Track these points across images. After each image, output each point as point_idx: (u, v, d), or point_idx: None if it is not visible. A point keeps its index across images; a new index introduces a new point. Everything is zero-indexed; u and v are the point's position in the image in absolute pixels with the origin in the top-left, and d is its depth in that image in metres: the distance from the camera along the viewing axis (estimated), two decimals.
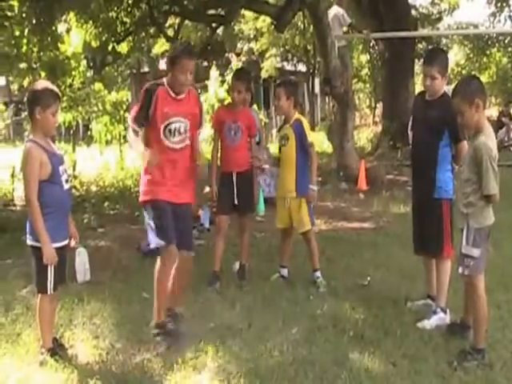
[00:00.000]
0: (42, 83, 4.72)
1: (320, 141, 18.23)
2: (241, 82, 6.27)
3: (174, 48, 4.63)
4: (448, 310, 5.08)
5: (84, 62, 12.74)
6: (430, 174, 5.05)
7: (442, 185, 5.03)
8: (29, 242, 4.48)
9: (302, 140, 6.01)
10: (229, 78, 14.29)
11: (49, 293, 4.50)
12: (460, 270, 4.39)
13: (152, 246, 4.90)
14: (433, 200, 5.07)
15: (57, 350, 4.55)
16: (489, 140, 4.22)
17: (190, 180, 5.04)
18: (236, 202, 6.20)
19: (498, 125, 18.03)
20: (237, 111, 6.27)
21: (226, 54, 27.55)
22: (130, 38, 13.51)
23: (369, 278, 6.21)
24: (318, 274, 6.15)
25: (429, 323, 5.01)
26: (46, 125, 4.42)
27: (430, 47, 22.62)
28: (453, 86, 4.55)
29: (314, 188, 6.08)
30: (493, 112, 25.56)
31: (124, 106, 14.03)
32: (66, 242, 4.66)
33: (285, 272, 6.37)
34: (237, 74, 6.76)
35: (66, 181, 4.57)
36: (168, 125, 4.78)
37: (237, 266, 6.56)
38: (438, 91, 5.10)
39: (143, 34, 13.82)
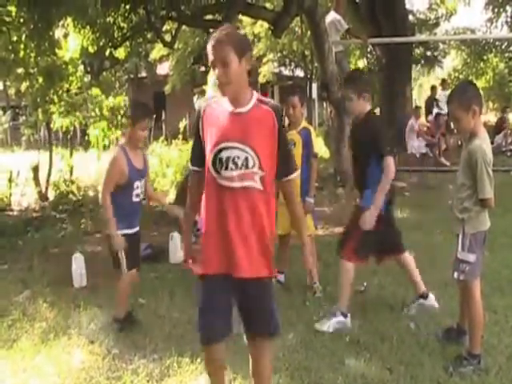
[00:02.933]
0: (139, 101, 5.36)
1: (317, 147, 18.26)
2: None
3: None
4: (349, 315, 5.14)
5: (81, 67, 12.73)
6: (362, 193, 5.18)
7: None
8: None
9: (309, 149, 6.06)
10: None
11: (124, 273, 5.10)
12: (455, 274, 4.39)
13: None
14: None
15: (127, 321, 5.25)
16: (483, 144, 4.21)
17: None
18: None
19: (495, 130, 18.07)
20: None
21: None
22: (128, 43, 13.49)
23: (365, 284, 6.21)
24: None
25: (327, 325, 5.08)
26: (133, 137, 4.97)
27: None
28: (448, 92, 4.57)
29: (311, 200, 6.10)
30: (490, 117, 25.60)
31: (121, 112, 14.01)
32: (132, 231, 5.14)
33: (281, 277, 6.37)
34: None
35: (137, 195, 5.07)
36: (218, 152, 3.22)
37: None
38: (359, 111, 5.14)
39: (140, 39, 13.80)
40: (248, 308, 3.38)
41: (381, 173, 4.97)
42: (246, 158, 3.17)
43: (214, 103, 3.31)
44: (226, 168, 3.18)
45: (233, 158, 3.17)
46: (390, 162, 4.90)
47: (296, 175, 3.44)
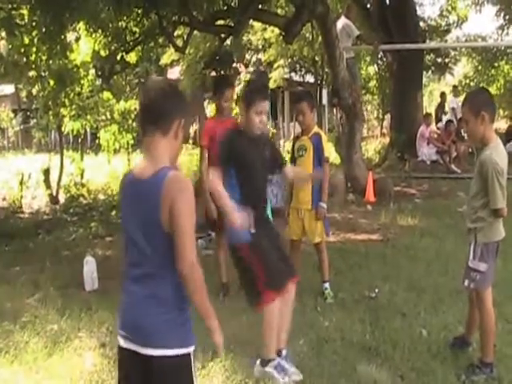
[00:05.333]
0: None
1: (328, 152, 18.25)
2: (232, 89, 6.27)
3: None
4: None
5: (92, 71, 12.80)
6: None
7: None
8: None
9: (320, 154, 6.02)
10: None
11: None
12: (466, 283, 4.37)
13: None
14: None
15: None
16: (495, 153, 4.20)
17: None
18: None
19: (506, 137, 17.98)
20: (226, 121, 5.87)
21: (234, 65, 27.60)
22: (139, 47, 13.54)
23: (377, 290, 6.19)
24: (327, 285, 6.14)
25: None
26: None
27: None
28: (460, 98, 4.58)
29: (324, 205, 6.05)
30: (501, 124, 25.51)
31: (132, 116, 14.07)
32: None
33: None
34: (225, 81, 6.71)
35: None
36: None
37: None
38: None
39: (152, 43, 13.85)
40: None
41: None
42: None
43: None
44: None
45: None
46: None
47: None
